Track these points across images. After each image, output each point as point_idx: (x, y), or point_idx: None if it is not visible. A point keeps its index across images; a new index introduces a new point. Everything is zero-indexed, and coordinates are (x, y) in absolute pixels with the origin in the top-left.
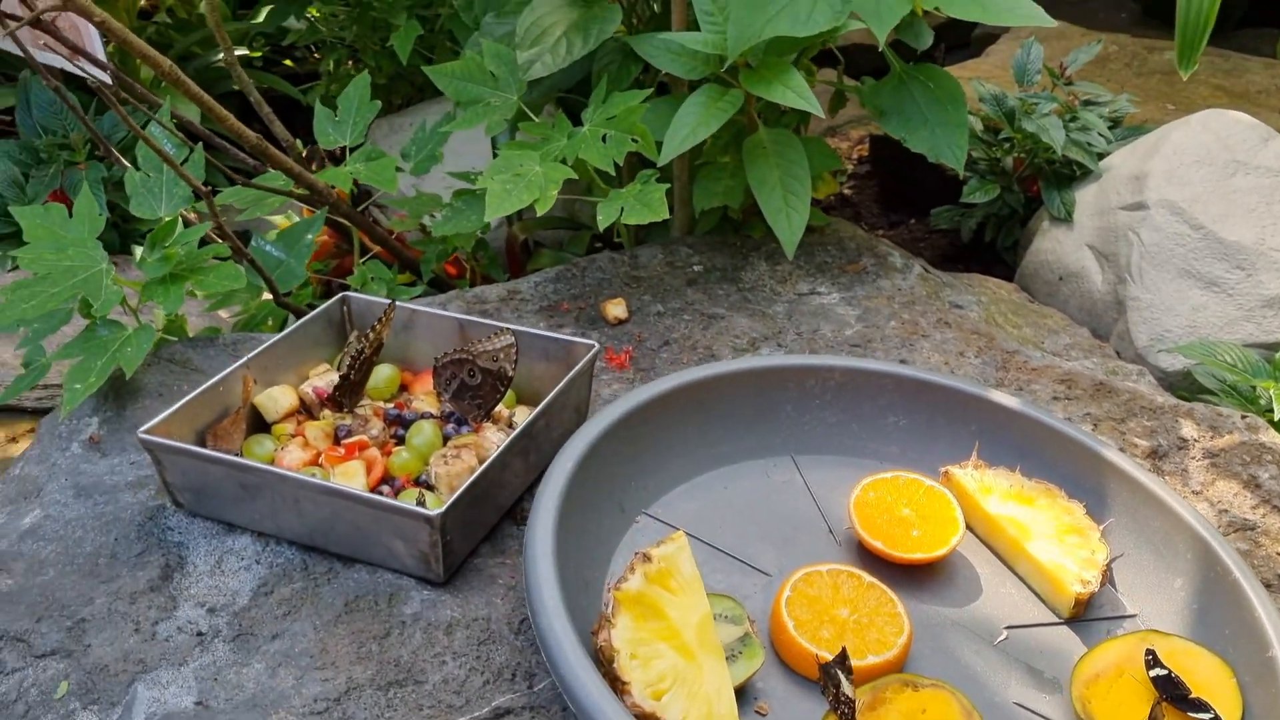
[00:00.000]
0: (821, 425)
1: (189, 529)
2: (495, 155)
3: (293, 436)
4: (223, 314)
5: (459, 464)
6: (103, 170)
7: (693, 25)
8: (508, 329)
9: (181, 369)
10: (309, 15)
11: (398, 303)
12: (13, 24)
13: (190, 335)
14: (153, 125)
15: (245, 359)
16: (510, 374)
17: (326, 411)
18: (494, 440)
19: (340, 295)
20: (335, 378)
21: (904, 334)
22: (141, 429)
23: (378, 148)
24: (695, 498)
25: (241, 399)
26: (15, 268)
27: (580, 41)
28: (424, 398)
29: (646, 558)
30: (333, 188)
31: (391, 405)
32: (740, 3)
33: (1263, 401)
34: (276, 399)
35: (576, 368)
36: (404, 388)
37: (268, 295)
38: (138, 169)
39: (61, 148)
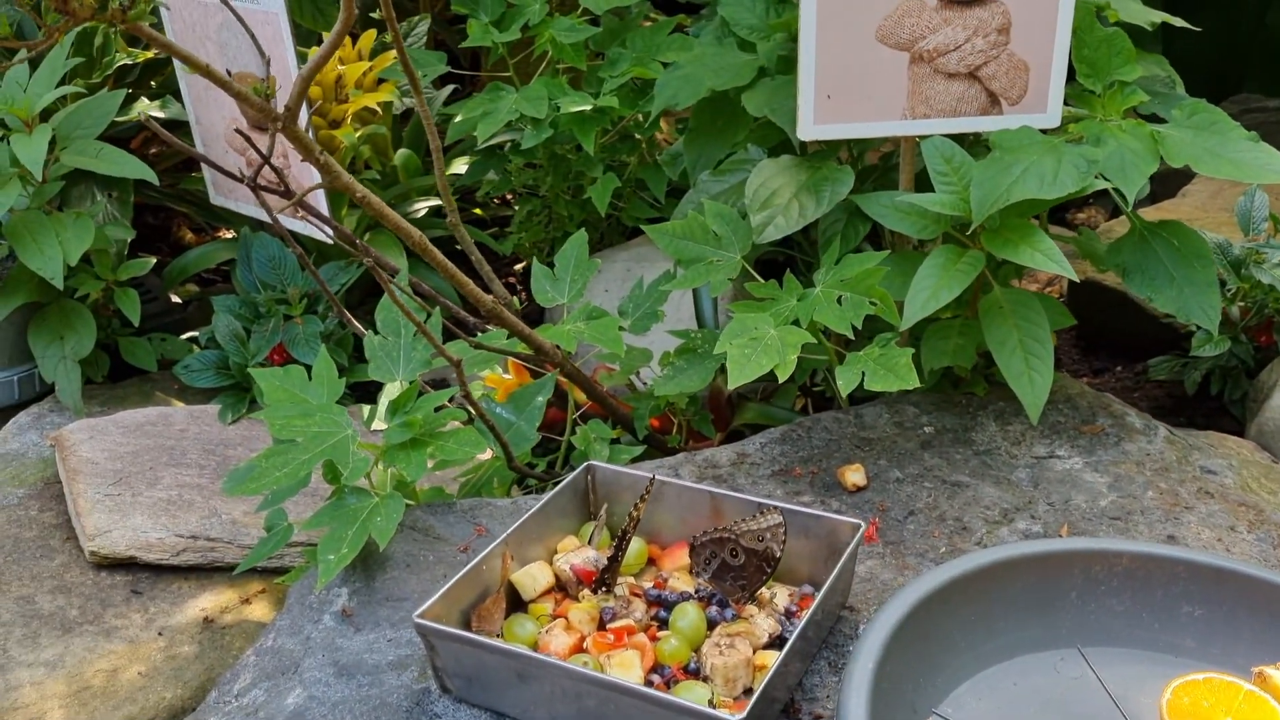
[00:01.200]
0: (1109, 614)
1: (457, 716)
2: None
3: (553, 618)
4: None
5: (735, 655)
6: (319, 325)
7: (920, 184)
8: (775, 507)
9: (424, 537)
10: (505, 168)
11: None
12: (279, 202)
13: (419, 498)
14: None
15: (504, 536)
16: (778, 555)
17: (585, 591)
18: (764, 627)
19: (585, 465)
20: (590, 554)
21: (1164, 505)
22: (416, 614)
23: (598, 307)
24: (984, 695)
25: (500, 577)
26: (236, 421)
27: (813, 204)
28: (678, 575)
29: None
30: (557, 348)
31: (650, 584)
32: (983, 166)
33: None
34: (535, 577)
35: (848, 550)
36: (651, 561)
37: (484, 455)
38: (370, 329)
39: (279, 302)
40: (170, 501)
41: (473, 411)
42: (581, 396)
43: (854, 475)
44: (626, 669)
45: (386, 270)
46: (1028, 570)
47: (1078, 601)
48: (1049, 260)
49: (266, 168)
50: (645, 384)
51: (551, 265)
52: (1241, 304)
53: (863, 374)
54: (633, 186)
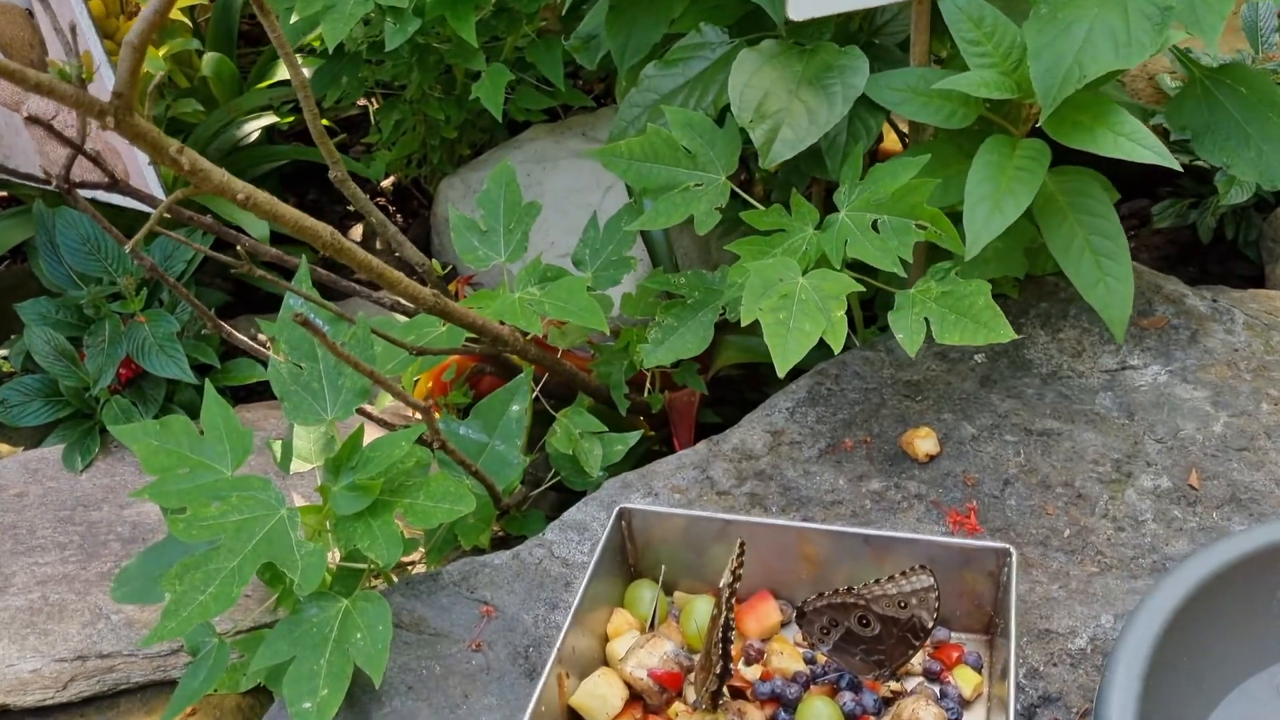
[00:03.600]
0: None
1: None
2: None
3: None
4: None
5: None
6: (172, 323)
7: (946, 62)
8: (922, 567)
9: (416, 635)
10: (360, 75)
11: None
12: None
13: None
14: (293, 297)
15: (555, 652)
16: (930, 625)
17: (680, 707)
18: (928, 717)
19: (618, 511)
20: (668, 649)
21: None
22: None
23: (554, 266)
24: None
25: (559, 708)
26: (89, 466)
27: (823, 104)
28: (781, 650)
29: None
30: (516, 331)
31: (759, 677)
32: (1034, 30)
33: None
34: (605, 698)
35: (1010, 593)
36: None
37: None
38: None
39: (110, 299)
40: (34, 610)
41: (436, 446)
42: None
43: (924, 443)
44: None
45: (258, 260)
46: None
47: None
48: (1140, 147)
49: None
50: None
51: (421, 186)
52: None
53: (926, 321)
54: (534, 81)
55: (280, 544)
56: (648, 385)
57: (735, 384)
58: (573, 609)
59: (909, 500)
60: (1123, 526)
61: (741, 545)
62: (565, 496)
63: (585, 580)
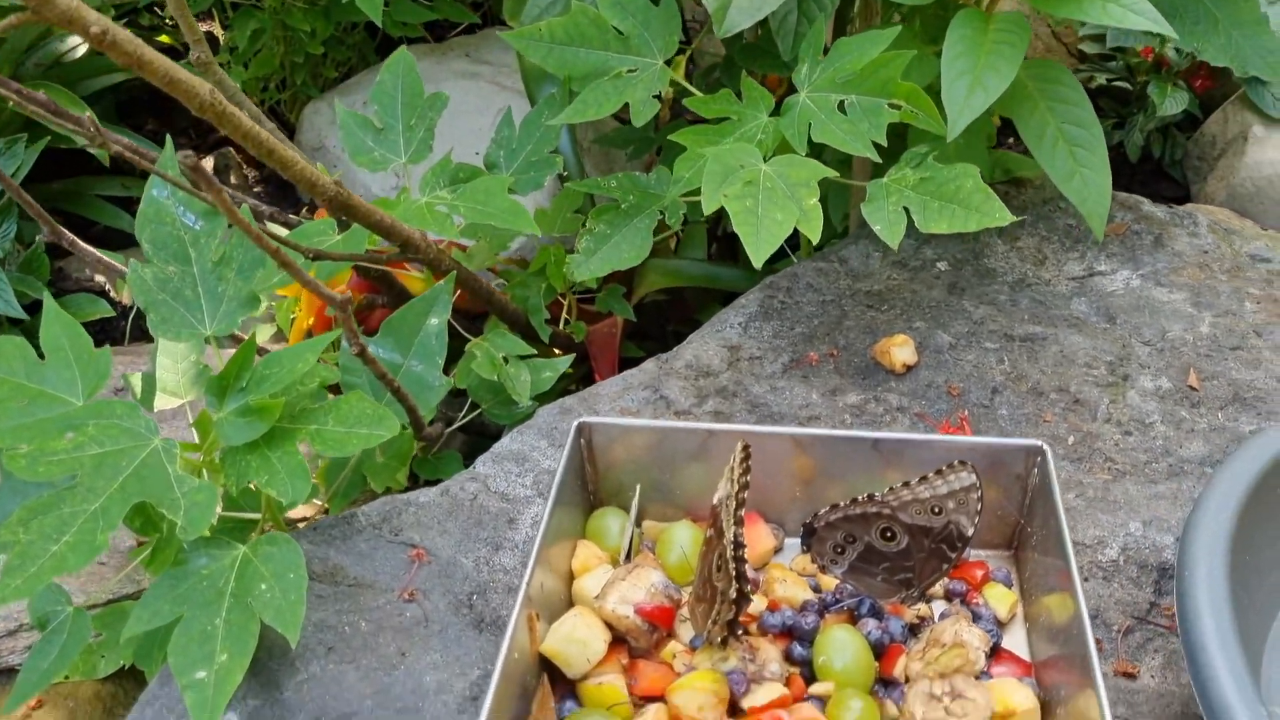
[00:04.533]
0: None
1: None
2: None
3: (637, 704)
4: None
5: (972, 707)
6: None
7: None
8: (961, 463)
9: (333, 586)
10: None
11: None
12: None
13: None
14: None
15: (524, 587)
16: (969, 532)
17: (676, 646)
18: (974, 643)
19: (577, 425)
20: (655, 579)
21: (1274, 318)
22: None
23: (467, 165)
24: (1276, 651)
25: (530, 654)
26: None
27: None
28: (783, 577)
29: None
30: (426, 237)
31: (766, 608)
32: None
33: None
34: (585, 642)
35: (1054, 491)
36: None
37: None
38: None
39: None
40: None
41: (355, 350)
42: (418, 285)
43: (901, 352)
44: None
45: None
46: None
47: None
48: (1131, 13)
49: None
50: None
51: (280, 114)
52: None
53: (906, 211)
54: None
55: (155, 480)
56: (564, 315)
57: (658, 316)
58: (540, 535)
59: (891, 413)
60: (1130, 430)
61: (746, 448)
62: (477, 442)
63: (550, 502)
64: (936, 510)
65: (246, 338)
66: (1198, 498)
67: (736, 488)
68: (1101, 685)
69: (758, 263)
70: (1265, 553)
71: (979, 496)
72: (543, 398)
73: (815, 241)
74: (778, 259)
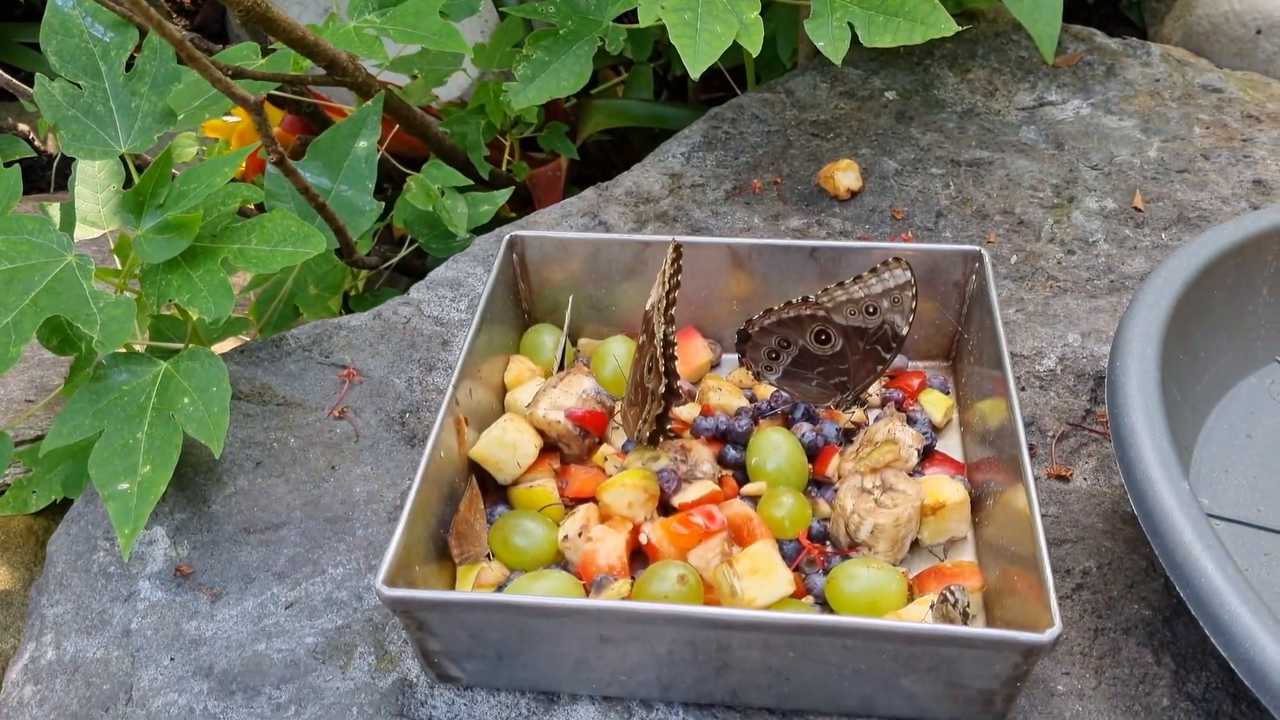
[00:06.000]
0: None
1: (479, 712)
2: None
3: (568, 505)
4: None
5: (902, 498)
6: None
7: None
8: (896, 260)
9: (261, 406)
10: None
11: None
12: None
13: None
14: None
15: (448, 395)
16: (904, 331)
17: (609, 450)
18: (907, 440)
19: (509, 239)
20: (587, 385)
21: (1222, 142)
22: (380, 580)
23: None
24: (1207, 448)
25: (460, 459)
26: None
27: None
28: (718, 386)
29: None
30: (353, 59)
31: (699, 414)
32: None
33: None
34: (515, 445)
35: (991, 295)
36: None
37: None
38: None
39: None
40: None
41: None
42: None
43: (845, 176)
44: (770, 574)
45: None
46: (1220, 270)
47: (1270, 298)
48: None
49: None
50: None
51: None
52: None
53: (851, 26)
54: None
55: (70, 295)
56: (506, 155)
57: (603, 159)
58: (466, 343)
59: (834, 237)
60: (1073, 249)
61: (677, 248)
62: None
63: (480, 311)
64: (871, 310)
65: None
66: (1133, 296)
67: (668, 288)
68: (1030, 476)
69: (695, 74)
70: (1201, 352)
71: (914, 294)
72: (481, 231)
73: (755, 54)
74: (727, 99)
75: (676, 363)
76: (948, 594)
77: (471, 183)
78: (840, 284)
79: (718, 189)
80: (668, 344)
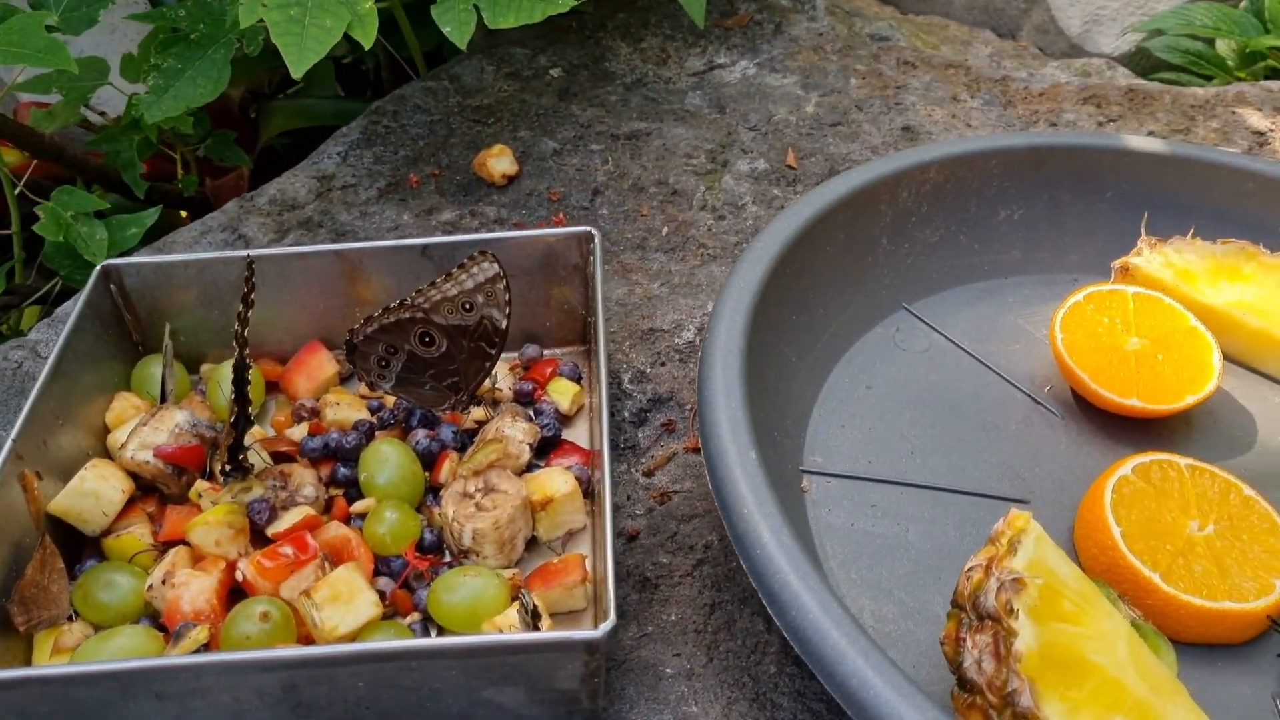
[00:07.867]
0: (924, 250)
1: None
2: None
3: (159, 549)
4: None
5: (502, 499)
6: None
7: None
8: (484, 252)
9: None
10: None
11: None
12: None
13: None
14: None
15: (6, 449)
16: (504, 324)
17: (203, 485)
18: (517, 436)
19: (100, 269)
20: (182, 418)
21: (876, 91)
22: None
23: (6, 4)
24: (826, 406)
25: (33, 518)
26: None
27: None
28: (338, 400)
29: (1018, 584)
30: None
31: (307, 433)
32: None
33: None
34: (97, 494)
35: (597, 285)
36: (274, 388)
37: None
38: None
39: None
40: None
41: None
42: (14, 156)
43: (499, 162)
44: (347, 598)
45: None
46: (835, 223)
47: (890, 246)
48: None
49: None
50: (110, 116)
51: None
52: None
53: (476, 9)
54: None
55: None
56: (179, 167)
57: (292, 163)
58: (38, 386)
59: (488, 226)
60: (723, 215)
61: (250, 264)
62: None
63: (55, 353)
64: (468, 307)
65: None
66: (731, 268)
67: (241, 307)
68: (607, 466)
69: (297, 74)
70: (820, 310)
71: (505, 285)
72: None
73: (368, 46)
74: None
75: (248, 387)
76: (520, 598)
77: (107, 205)
78: (433, 283)
79: (370, 188)
80: (238, 368)
